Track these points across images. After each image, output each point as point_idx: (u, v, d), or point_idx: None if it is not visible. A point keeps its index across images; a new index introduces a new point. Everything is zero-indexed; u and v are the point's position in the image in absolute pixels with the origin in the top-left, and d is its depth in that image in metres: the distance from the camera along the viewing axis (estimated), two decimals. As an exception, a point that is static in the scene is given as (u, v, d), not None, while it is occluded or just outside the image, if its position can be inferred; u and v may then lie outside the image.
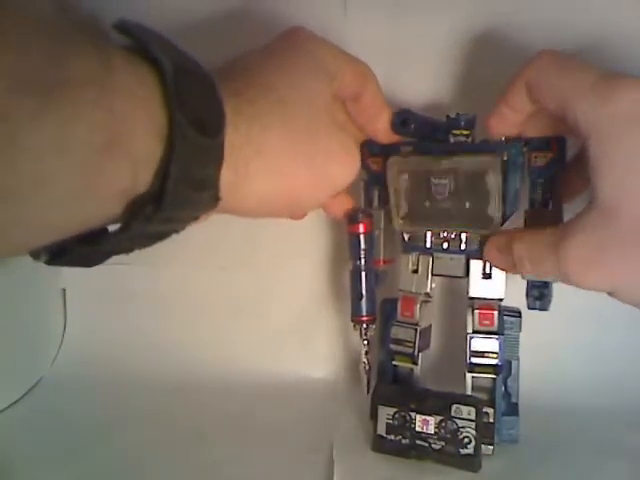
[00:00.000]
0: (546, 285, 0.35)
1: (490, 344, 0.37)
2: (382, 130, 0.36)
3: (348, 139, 0.33)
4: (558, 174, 0.34)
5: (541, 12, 0.41)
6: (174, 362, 0.49)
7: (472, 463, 0.35)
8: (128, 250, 0.24)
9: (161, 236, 0.24)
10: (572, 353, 0.45)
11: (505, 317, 0.37)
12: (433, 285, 0.39)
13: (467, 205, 0.34)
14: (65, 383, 0.48)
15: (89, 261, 0.24)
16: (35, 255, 0.23)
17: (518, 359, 0.39)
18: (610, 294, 0.28)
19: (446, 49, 0.42)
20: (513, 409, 0.39)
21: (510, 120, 0.33)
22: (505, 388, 0.38)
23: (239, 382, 0.47)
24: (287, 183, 0.28)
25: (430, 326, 0.40)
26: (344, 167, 0.32)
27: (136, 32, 0.22)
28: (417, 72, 0.43)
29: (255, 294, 0.49)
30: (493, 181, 0.32)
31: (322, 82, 0.32)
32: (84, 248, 0.22)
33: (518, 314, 0.38)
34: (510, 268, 0.33)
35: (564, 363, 0.45)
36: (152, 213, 0.21)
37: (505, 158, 0.33)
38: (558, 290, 0.35)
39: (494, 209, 0.33)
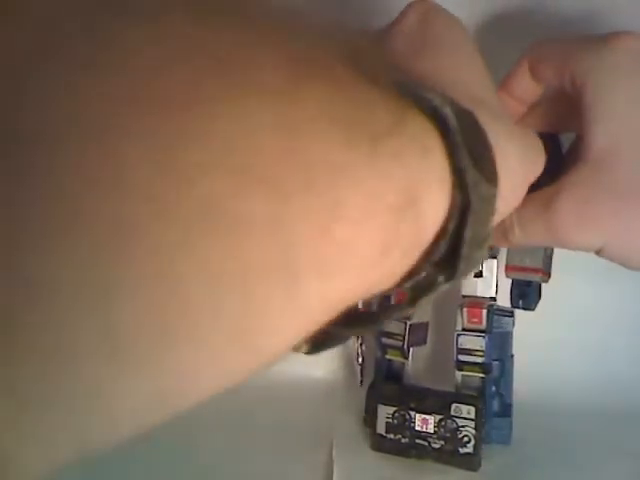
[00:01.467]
0: (529, 284, 0.35)
1: (476, 342, 0.37)
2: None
3: None
4: (554, 171, 0.34)
5: (545, 5, 0.41)
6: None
7: (472, 462, 0.35)
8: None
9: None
10: (569, 353, 0.45)
11: (498, 316, 0.37)
12: None
13: None
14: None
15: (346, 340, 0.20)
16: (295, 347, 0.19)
17: (512, 359, 0.39)
18: (598, 253, 0.27)
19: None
20: (506, 410, 0.38)
21: (511, 110, 0.32)
22: (498, 388, 0.38)
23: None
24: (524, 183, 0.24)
25: (426, 323, 0.40)
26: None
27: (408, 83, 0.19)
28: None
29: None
30: None
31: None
32: (353, 330, 0.19)
33: (510, 314, 0.38)
34: (498, 238, 0.31)
35: (562, 363, 0.45)
36: (444, 282, 0.19)
37: None
38: (556, 290, 0.35)
39: None
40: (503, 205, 0.22)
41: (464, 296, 0.37)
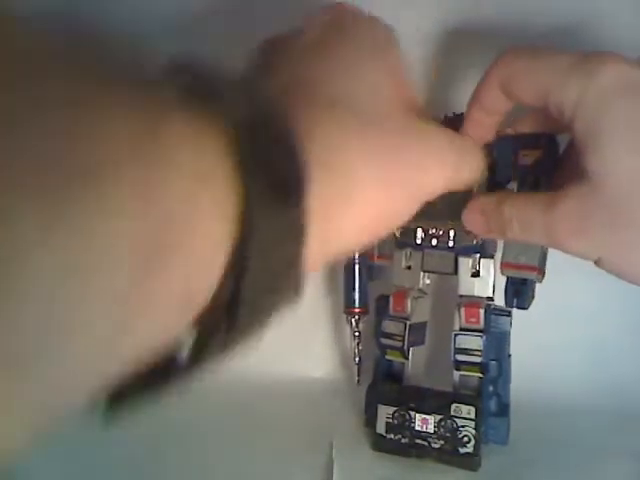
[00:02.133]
0: (524, 282, 0.34)
1: (474, 342, 0.36)
2: None
3: (442, 131, 0.28)
4: (550, 172, 0.33)
5: (538, 8, 0.41)
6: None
7: (472, 462, 0.35)
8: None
9: (237, 346, 0.20)
10: (569, 353, 0.45)
11: (495, 316, 0.37)
12: (427, 281, 0.39)
13: (452, 201, 0.34)
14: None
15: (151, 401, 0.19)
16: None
17: (509, 359, 0.39)
18: (596, 263, 0.28)
19: (446, 44, 0.42)
20: (503, 410, 0.38)
21: (487, 124, 0.32)
22: (495, 388, 0.38)
23: (238, 381, 0.47)
24: (381, 213, 0.24)
25: (425, 323, 0.40)
26: (437, 174, 0.27)
27: (196, 71, 0.17)
28: (415, 68, 0.43)
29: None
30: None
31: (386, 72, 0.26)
32: (147, 391, 0.18)
33: (508, 313, 0.38)
34: (494, 230, 0.31)
35: (562, 363, 0.45)
36: (226, 334, 0.17)
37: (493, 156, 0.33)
38: (555, 290, 0.35)
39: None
40: (362, 232, 0.22)
41: (461, 296, 0.37)
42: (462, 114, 0.35)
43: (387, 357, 0.40)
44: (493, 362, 0.38)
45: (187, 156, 0.15)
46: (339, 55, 0.24)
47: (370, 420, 0.39)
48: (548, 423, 0.41)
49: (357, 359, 0.43)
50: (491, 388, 0.38)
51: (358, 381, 0.43)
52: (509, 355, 0.39)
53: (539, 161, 0.33)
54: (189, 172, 0.15)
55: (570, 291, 0.40)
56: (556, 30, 0.40)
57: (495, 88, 0.29)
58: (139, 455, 0.39)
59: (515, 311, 0.37)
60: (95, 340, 0.14)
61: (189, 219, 0.15)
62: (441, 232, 0.36)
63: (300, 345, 0.49)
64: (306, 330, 0.50)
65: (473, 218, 0.32)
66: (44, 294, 0.12)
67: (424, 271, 0.38)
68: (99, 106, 0.13)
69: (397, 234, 0.38)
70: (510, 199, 0.30)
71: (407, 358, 0.39)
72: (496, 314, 0.37)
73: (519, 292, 0.35)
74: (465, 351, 0.37)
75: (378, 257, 0.41)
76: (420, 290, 0.39)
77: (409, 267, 0.39)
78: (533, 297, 0.35)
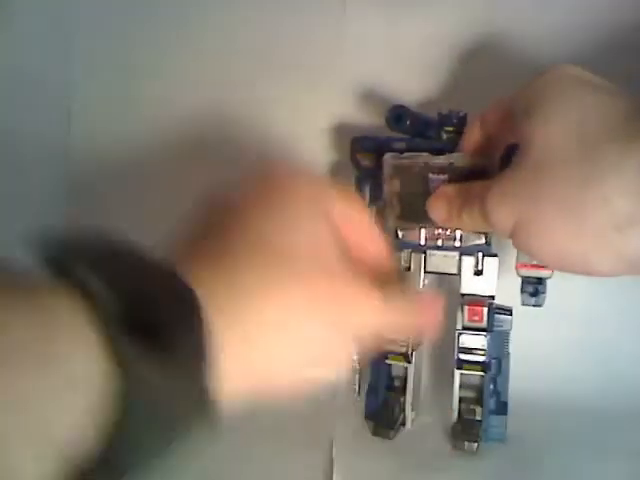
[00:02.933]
0: (540, 281, 0.35)
1: (478, 341, 0.37)
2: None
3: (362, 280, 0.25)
4: None
5: (540, 14, 0.41)
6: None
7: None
8: None
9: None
10: (569, 351, 0.45)
11: (496, 315, 0.38)
12: (426, 282, 0.39)
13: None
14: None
15: None
16: None
17: (509, 357, 0.39)
18: (511, 237, 0.29)
19: (445, 47, 0.42)
20: (502, 408, 0.39)
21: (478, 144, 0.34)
22: (495, 386, 0.39)
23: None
24: (289, 381, 0.25)
25: None
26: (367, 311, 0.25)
27: (59, 255, 0.18)
28: (415, 70, 0.43)
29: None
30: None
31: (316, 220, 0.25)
32: None
33: (509, 312, 0.38)
34: (452, 218, 0.33)
35: (561, 362, 0.45)
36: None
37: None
38: (557, 289, 0.35)
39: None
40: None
41: (463, 294, 0.37)
42: (465, 115, 0.35)
43: (387, 361, 0.39)
44: (494, 360, 0.38)
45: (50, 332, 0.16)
46: (278, 209, 0.24)
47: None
48: (548, 423, 0.41)
49: (357, 367, 0.42)
50: (491, 386, 0.38)
51: (358, 392, 0.41)
52: (508, 353, 0.39)
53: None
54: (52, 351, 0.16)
55: (571, 291, 0.40)
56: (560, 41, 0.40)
57: (476, 129, 0.33)
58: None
59: (515, 310, 0.38)
60: None
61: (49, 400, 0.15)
62: (448, 232, 0.37)
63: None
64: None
65: (437, 203, 0.33)
66: None
67: (427, 272, 0.38)
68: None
69: (400, 235, 0.38)
70: (466, 187, 0.32)
71: (410, 362, 0.39)
72: (498, 313, 0.38)
73: (537, 291, 0.35)
74: (469, 350, 0.37)
75: None
76: (422, 292, 0.39)
77: (408, 268, 0.39)
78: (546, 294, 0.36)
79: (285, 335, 0.22)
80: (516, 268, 0.35)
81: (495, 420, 0.38)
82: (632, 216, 0.25)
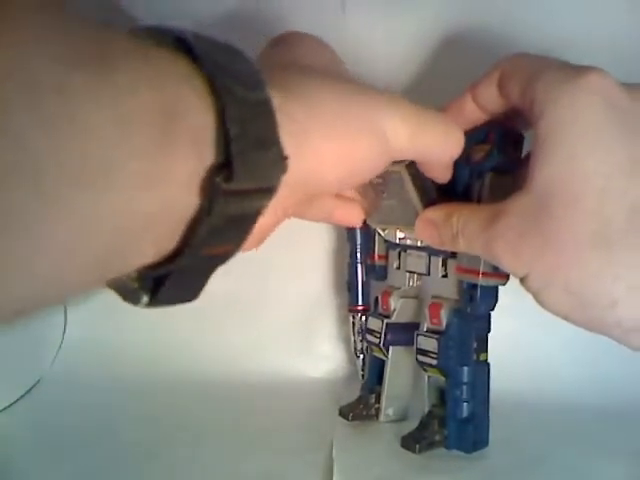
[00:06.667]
0: (474, 287, 0.33)
1: (430, 343, 0.36)
2: None
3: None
4: (502, 166, 0.32)
5: (540, 12, 0.41)
6: (174, 362, 0.49)
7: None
8: (225, 255, 0.21)
9: (246, 222, 0.21)
10: (565, 352, 0.45)
11: (459, 319, 0.35)
12: (418, 282, 0.39)
13: (402, 203, 0.33)
14: (65, 383, 0.48)
15: (192, 285, 0.22)
16: (134, 299, 0.20)
17: (484, 366, 0.36)
18: (521, 281, 0.28)
19: (444, 47, 0.42)
20: (469, 418, 0.36)
21: (467, 117, 0.32)
22: (460, 393, 0.35)
23: (239, 382, 0.47)
24: (345, 141, 0.25)
25: (411, 324, 0.39)
26: (396, 119, 0.27)
27: (147, 25, 0.21)
28: (415, 71, 0.43)
29: (255, 294, 0.49)
30: (406, 179, 0.32)
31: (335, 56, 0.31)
32: (181, 261, 0.19)
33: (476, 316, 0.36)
34: (446, 243, 0.31)
35: (561, 362, 0.45)
36: (225, 183, 0.19)
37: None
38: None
39: (419, 207, 0.32)
40: (333, 132, 0.24)
41: (433, 296, 0.37)
42: None
43: (374, 354, 0.41)
44: (464, 368, 0.35)
45: (164, 57, 0.19)
46: (301, 47, 0.30)
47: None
48: (548, 423, 0.41)
49: (360, 354, 0.44)
50: (458, 393, 0.35)
51: (363, 376, 0.44)
52: (485, 362, 0.36)
53: (488, 156, 0.32)
54: (168, 69, 0.19)
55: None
56: (557, 41, 0.40)
57: (493, 83, 0.30)
58: (139, 455, 0.39)
59: (509, 312, 0.36)
60: (128, 181, 0.17)
61: (180, 93, 0.18)
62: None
63: (300, 345, 0.50)
64: (306, 330, 0.50)
65: (425, 229, 0.32)
66: (97, 133, 0.15)
67: (407, 271, 0.39)
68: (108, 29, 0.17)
69: (382, 233, 0.39)
70: (457, 212, 0.30)
71: (386, 356, 0.39)
72: (460, 317, 0.35)
73: (472, 297, 0.33)
74: (424, 352, 0.36)
75: (378, 257, 0.41)
76: (406, 291, 0.39)
77: (399, 267, 0.39)
78: (496, 301, 0.34)
79: (334, 128, 0.25)
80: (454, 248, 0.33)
81: (454, 429, 0.36)
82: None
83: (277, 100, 0.21)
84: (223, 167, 0.19)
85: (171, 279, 0.20)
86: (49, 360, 0.50)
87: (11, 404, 0.45)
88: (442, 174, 0.31)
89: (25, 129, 0.14)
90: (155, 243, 0.19)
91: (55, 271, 0.16)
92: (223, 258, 0.21)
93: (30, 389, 0.47)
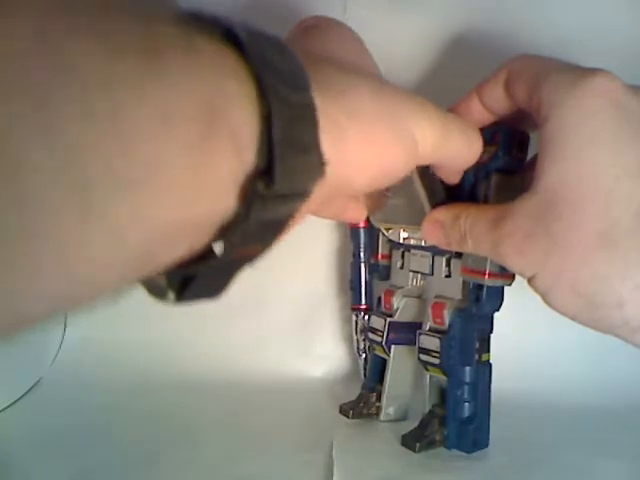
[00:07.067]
0: (481, 287, 0.33)
1: (433, 342, 0.36)
2: None
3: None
4: (508, 167, 0.32)
5: (544, 12, 0.41)
6: (174, 362, 0.49)
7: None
8: (254, 255, 0.21)
9: (279, 226, 0.21)
10: (566, 352, 0.45)
11: (462, 319, 0.35)
12: (422, 282, 0.39)
13: (409, 202, 0.34)
14: (65, 383, 0.48)
15: (218, 284, 0.22)
16: (161, 295, 0.20)
17: (486, 366, 0.36)
18: (529, 281, 0.28)
19: (446, 47, 0.42)
20: (470, 418, 0.36)
21: (474, 116, 0.31)
22: (463, 394, 0.36)
23: (239, 382, 0.47)
24: (380, 146, 0.25)
25: (413, 323, 0.39)
26: (424, 125, 0.27)
27: (192, 10, 0.20)
28: (417, 72, 0.43)
29: (255, 293, 0.49)
30: (416, 179, 0.32)
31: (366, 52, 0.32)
32: (210, 262, 0.19)
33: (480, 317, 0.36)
34: (452, 244, 0.31)
35: (561, 362, 0.45)
36: (266, 189, 0.18)
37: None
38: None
39: (427, 207, 0.32)
40: (370, 137, 0.24)
41: (436, 296, 0.37)
42: None
43: (376, 353, 0.41)
44: (467, 368, 0.35)
45: (211, 50, 0.18)
46: (332, 37, 0.30)
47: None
48: (548, 423, 0.41)
49: (363, 354, 0.44)
50: (459, 393, 0.36)
51: (365, 375, 0.44)
52: (487, 362, 0.36)
53: (494, 157, 0.32)
54: (215, 61, 0.18)
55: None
56: (559, 41, 0.40)
57: (500, 84, 0.30)
58: (139, 455, 0.39)
59: (510, 312, 0.35)
60: (173, 180, 0.16)
61: (224, 89, 0.18)
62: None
63: (300, 345, 0.50)
64: (307, 330, 0.50)
65: (432, 231, 0.32)
66: (142, 130, 0.15)
67: (410, 271, 0.39)
68: (154, 14, 0.17)
69: (386, 233, 0.39)
70: (465, 212, 0.30)
71: (388, 355, 0.39)
72: (463, 317, 0.35)
73: (478, 297, 0.33)
74: (426, 351, 0.36)
75: (382, 257, 0.41)
76: (409, 290, 0.39)
77: (402, 267, 0.40)
78: (502, 301, 0.34)
79: (368, 131, 0.24)
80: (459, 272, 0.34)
81: (454, 428, 0.36)
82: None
83: (319, 100, 0.20)
84: (264, 172, 0.19)
85: (199, 278, 0.20)
86: (49, 360, 0.50)
87: (11, 404, 0.45)
88: (454, 177, 0.32)
89: (66, 124, 0.13)
90: (189, 244, 0.19)
91: (90, 273, 0.16)
92: (252, 259, 0.21)
93: (30, 389, 0.47)
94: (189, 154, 0.16)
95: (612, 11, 0.41)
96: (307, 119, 0.20)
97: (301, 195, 0.21)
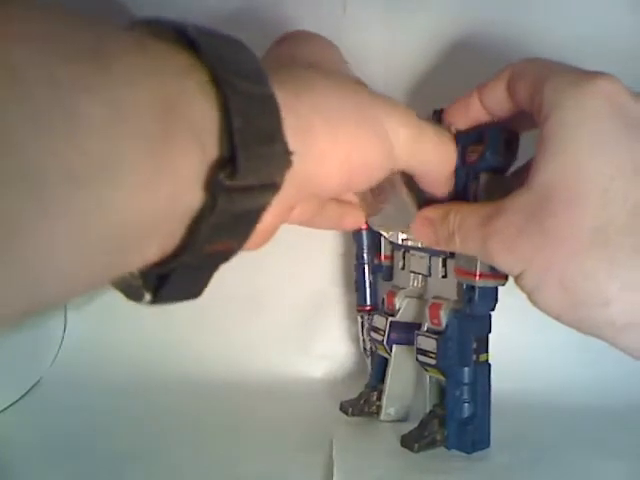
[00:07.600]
0: (472, 288, 0.33)
1: (429, 343, 0.36)
2: None
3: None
4: (496, 166, 0.32)
5: (543, 14, 0.41)
6: (174, 362, 0.49)
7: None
8: (228, 252, 0.21)
9: (250, 219, 0.21)
10: (564, 352, 0.45)
11: (459, 320, 0.35)
12: (423, 283, 0.39)
13: (398, 208, 0.34)
14: (65, 383, 0.48)
15: (194, 283, 0.21)
16: (137, 297, 0.20)
17: (485, 366, 0.36)
18: (516, 279, 0.28)
19: (445, 48, 0.42)
20: (470, 418, 0.36)
21: (470, 115, 0.31)
22: (462, 394, 0.35)
23: (239, 382, 0.47)
24: (350, 139, 0.25)
25: (415, 324, 0.39)
26: (397, 124, 0.27)
27: (146, 18, 0.21)
28: (417, 72, 0.43)
29: (255, 293, 0.49)
30: (400, 185, 0.32)
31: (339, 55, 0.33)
32: (182, 258, 0.19)
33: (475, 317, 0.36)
34: (440, 242, 0.31)
35: (557, 363, 0.45)
36: (229, 179, 0.19)
37: None
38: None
39: (413, 212, 0.33)
40: (338, 131, 0.24)
41: (433, 297, 0.37)
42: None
43: (379, 352, 0.41)
44: (465, 369, 0.35)
45: (164, 50, 0.19)
46: (307, 45, 0.31)
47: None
48: (547, 423, 0.41)
49: (369, 354, 0.44)
50: (458, 393, 0.35)
51: (370, 372, 0.44)
52: (486, 362, 0.36)
53: (482, 157, 0.31)
54: (168, 60, 0.19)
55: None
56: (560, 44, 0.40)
57: (502, 84, 0.30)
58: (139, 455, 0.39)
59: (509, 312, 0.35)
60: (131, 175, 0.16)
61: (181, 85, 0.18)
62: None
63: (300, 345, 0.50)
64: (307, 330, 0.50)
65: (421, 228, 0.32)
66: (90, 129, 0.15)
67: (410, 271, 0.39)
68: (104, 23, 0.17)
69: (385, 235, 0.39)
70: (455, 209, 0.30)
71: (389, 354, 0.39)
72: (459, 318, 0.35)
73: (470, 298, 0.33)
74: (424, 352, 0.36)
75: (385, 257, 0.42)
76: (411, 290, 0.39)
77: (403, 267, 0.40)
78: (495, 302, 0.34)
79: (333, 127, 0.24)
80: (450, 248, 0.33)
81: (453, 429, 0.36)
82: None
83: (281, 95, 0.21)
84: (227, 163, 0.19)
85: (174, 277, 0.20)
86: (49, 360, 0.50)
87: (11, 404, 0.45)
88: (437, 188, 0.32)
89: (15, 124, 0.14)
90: (158, 240, 0.19)
91: (58, 271, 0.16)
92: (226, 255, 0.21)
93: (30, 389, 0.47)
94: (147, 148, 0.17)
95: (614, 15, 0.41)
96: (268, 109, 0.20)
97: (270, 187, 0.21)
